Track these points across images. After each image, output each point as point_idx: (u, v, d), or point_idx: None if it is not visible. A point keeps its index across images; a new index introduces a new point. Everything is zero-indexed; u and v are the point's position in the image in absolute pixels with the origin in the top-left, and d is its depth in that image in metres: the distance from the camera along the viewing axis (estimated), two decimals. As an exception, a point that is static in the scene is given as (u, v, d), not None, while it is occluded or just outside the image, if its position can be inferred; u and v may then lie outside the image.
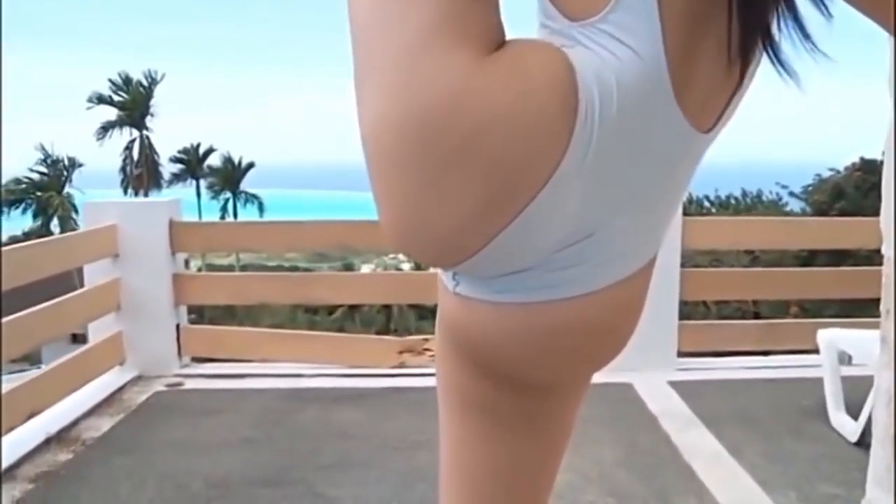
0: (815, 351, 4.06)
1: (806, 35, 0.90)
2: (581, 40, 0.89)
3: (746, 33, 0.89)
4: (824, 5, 0.89)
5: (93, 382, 4.42)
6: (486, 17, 0.89)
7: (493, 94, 0.84)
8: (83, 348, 4.53)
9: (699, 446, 3.59)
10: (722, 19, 0.89)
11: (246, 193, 48.58)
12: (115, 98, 45.98)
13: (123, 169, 46.28)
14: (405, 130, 0.85)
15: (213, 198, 48.28)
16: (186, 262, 5.21)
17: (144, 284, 4.75)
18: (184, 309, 5.03)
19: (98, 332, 4.66)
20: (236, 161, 49.07)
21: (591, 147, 0.87)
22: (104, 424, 3.95)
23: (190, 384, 4.63)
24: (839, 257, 11.25)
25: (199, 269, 28.93)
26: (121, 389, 4.47)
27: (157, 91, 47.23)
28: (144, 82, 46.54)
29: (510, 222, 0.88)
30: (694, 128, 0.93)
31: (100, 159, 50.33)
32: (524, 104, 0.84)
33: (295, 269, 31.58)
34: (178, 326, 4.89)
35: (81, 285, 4.66)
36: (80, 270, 4.70)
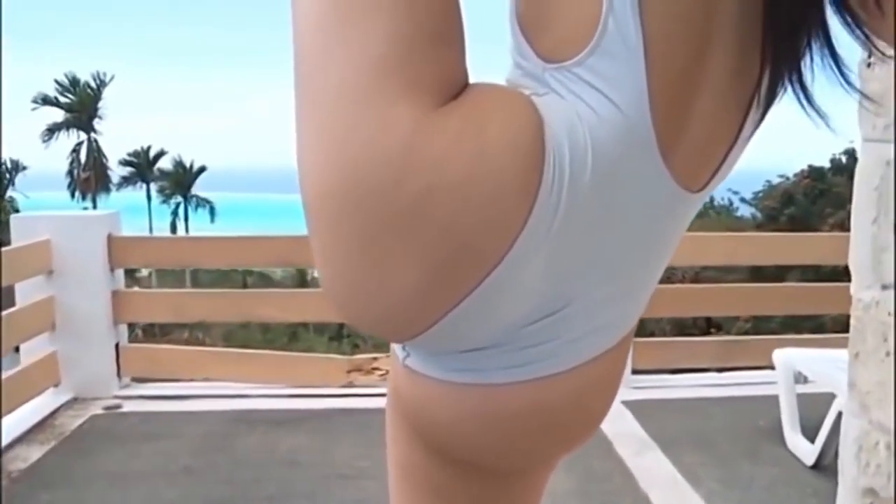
0: (771, 367, 4.03)
1: (843, 72, 0.81)
2: (554, 86, 0.77)
3: (776, 73, 0.80)
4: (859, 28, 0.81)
5: (24, 406, 4.20)
6: (446, 57, 0.76)
7: (443, 153, 0.71)
8: (13, 371, 4.31)
9: (655, 472, 3.51)
10: (720, 60, 0.78)
11: (197, 198, 47.96)
12: (62, 99, 44.99)
13: (70, 172, 45.33)
14: (342, 189, 0.73)
15: (163, 202, 47.56)
16: (134, 273, 5.01)
17: (81, 302, 4.53)
18: (124, 327, 4.82)
19: (31, 352, 4.44)
20: (188, 164, 48.42)
21: (559, 214, 0.74)
22: (33, 454, 3.74)
23: (129, 406, 4.43)
24: (782, 271, 11.39)
25: (150, 275, 28.36)
26: (54, 413, 4.26)
27: (107, 93, 46.41)
28: (93, 84, 45.63)
29: (463, 299, 0.75)
30: (683, 188, 0.81)
31: (46, 161, 49.22)
32: (479, 167, 0.72)
33: (249, 273, 31.11)
34: (117, 345, 4.69)
35: (13, 304, 4.43)
36: (10, 288, 4.47)
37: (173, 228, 46.61)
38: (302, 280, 29.07)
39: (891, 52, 0.92)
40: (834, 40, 0.83)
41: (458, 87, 0.76)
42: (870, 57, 0.85)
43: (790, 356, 3.93)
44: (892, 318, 1.61)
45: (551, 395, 0.84)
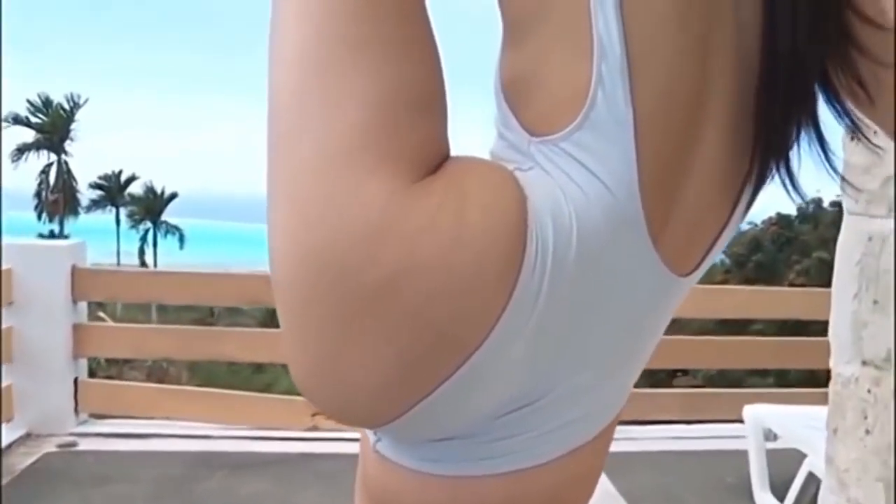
0: (739, 419, 4.00)
1: (829, 158, 0.81)
2: (539, 161, 0.73)
3: (765, 163, 0.78)
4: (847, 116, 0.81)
5: (-26, 443, 4.06)
6: (427, 127, 0.71)
7: (419, 233, 0.66)
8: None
9: (623, 530, 3.45)
10: (712, 140, 0.76)
11: (167, 224, 47.51)
12: (34, 120, 44.58)
13: (38, 194, 44.78)
14: (311, 265, 0.68)
15: (132, 227, 47.06)
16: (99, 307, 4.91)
17: (41, 334, 4.42)
18: (83, 362, 4.70)
19: (-16, 386, 4.30)
20: (159, 190, 48.05)
21: (541, 301, 0.70)
22: (-20, 495, 3.60)
23: (85, 444, 4.30)
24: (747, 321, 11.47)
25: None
26: (6, 450, 4.11)
27: (81, 115, 46.06)
28: (66, 105, 45.31)
29: (435, 388, 0.70)
30: (672, 272, 0.77)
31: (13, 182, 48.60)
32: (456, 251, 0.67)
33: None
34: (76, 380, 4.56)
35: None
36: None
37: (141, 254, 46.13)
38: (269, 317, 28.80)
39: (877, 139, 0.91)
40: (822, 128, 0.81)
41: (438, 159, 0.71)
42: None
43: (760, 413, 3.91)
44: (872, 395, 1.58)
45: (526, 490, 0.79)
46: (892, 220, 1.51)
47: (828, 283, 1.76)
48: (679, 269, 0.79)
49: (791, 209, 23.54)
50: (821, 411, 2.91)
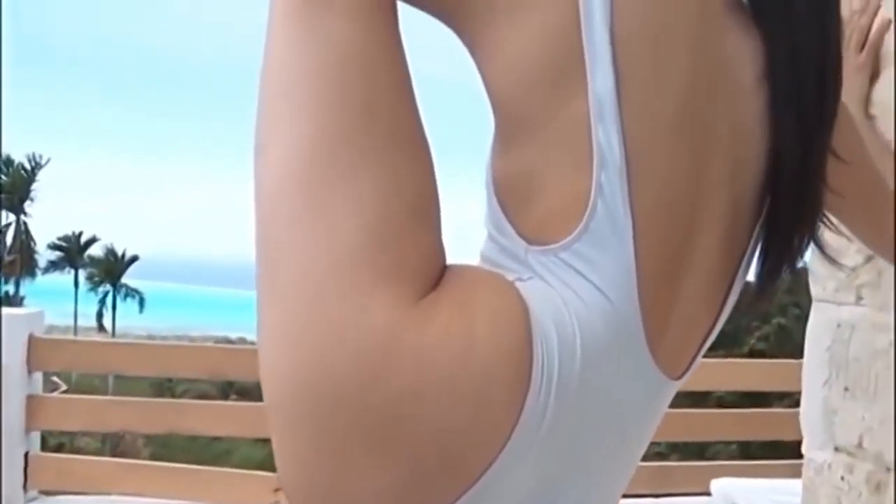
0: (706, 493, 3.97)
1: (827, 256, 0.87)
2: (538, 270, 0.73)
3: (773, 268, 0.82)
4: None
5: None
6: (425, 241, 0.71)
7: (426, 353, 0.65)
8: None
9: None
10: (707, 244, 0.77)
11: (127, 287, 46.85)
12: (-7, 180, 44.11)
13: (-5, 255, 43.99)
14: (306, 385, 0.66)
15: (91, 289, 46.32)
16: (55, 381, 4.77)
17: (-8, 406, 4.26)
18: (36, 435, 4.54)
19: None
20: (119, 253, 47.50)
21: (548, 413, 0.69)
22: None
23: (34, 523, 4.12)
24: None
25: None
26: (-50, 530, 3.93)
27: (42, 175, 45.68)
28: (27, 165, 44.94)
29: None
30: (666, 375, 0.78)
31: (-30, 243, 47.67)
32: (465, 370, 0.66)
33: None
34: (26, 454, 4.39)
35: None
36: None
37: (99, 318, 45.33)
38: (228, 385, 28.22)
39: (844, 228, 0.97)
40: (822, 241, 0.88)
41: (437, 272, 0.71)
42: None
43: (727, 486, 3.89)
44: (846, 482, 1.57)
45: None
46: (860, 308, 1.53)
47: (788, 350, 1.78)
48: (672, 373, 0.79)
49: (750, 275, 23.91)
50: (788, 485, 2.91)
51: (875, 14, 1.27)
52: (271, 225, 0.71)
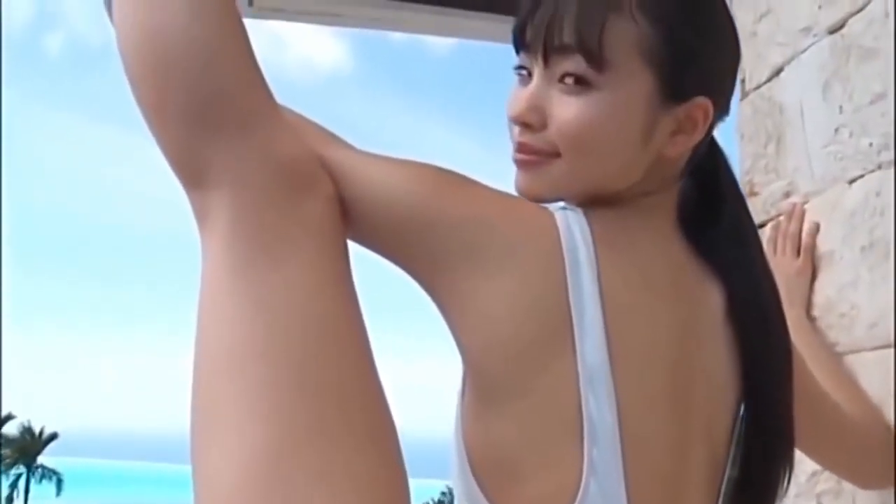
0: None
1: None
2: None
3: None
4: None
5: None
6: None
7: None
8: None
9: None
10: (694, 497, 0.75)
11: (44, 468, 44.25)
12: None
13: None
14: None
15: (2, 472, 43.62)
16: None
17: None
18: None
19: None
20: (37, 431, 45.14)
21: None
22: None
23: None
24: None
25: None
26: None
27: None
28: (-59, 341, 43.14)
29: None
30: None
31: None
32: None
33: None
34: None
35: None
36: None
37: (9, 502, 42.46)
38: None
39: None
40: None
41: None
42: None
43: None
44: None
45: None
46: None
47: None
48: None
49: None
50: None
51: (802, 218, 1.30)
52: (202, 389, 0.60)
